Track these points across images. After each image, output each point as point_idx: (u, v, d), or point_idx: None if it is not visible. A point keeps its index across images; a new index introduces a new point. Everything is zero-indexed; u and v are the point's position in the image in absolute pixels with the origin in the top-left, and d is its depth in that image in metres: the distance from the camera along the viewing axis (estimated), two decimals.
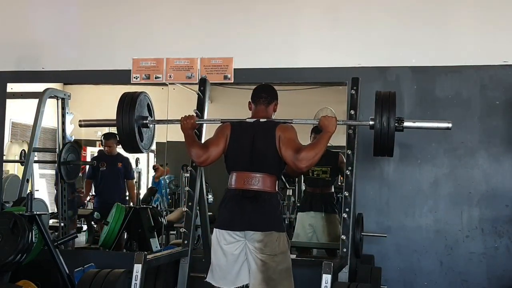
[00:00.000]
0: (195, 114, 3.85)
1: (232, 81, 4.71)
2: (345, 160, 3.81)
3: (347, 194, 3.64)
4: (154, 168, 6.89)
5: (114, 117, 3.49)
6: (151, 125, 3.67)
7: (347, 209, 3.60)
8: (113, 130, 6.43)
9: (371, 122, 3.27)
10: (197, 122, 3.50)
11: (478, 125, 4.34)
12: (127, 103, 3.48)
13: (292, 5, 4.68)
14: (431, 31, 4.43)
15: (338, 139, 5.42)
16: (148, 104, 3.67)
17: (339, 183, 5.50)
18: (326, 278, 2.91)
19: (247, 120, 3.37)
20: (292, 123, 3.37)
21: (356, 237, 3.77)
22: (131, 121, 3.44)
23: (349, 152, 3.73)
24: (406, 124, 3.26)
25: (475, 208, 4.30)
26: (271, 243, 3.16)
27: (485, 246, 4.27)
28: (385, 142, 3.24)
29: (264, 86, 3.51)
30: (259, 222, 3.17)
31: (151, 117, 3.69)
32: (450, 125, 3.31)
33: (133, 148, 3.57)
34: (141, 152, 3.65)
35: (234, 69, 4.67)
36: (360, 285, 3.18)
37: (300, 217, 5.34)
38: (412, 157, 4.40)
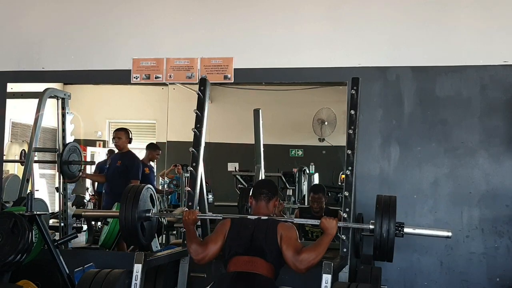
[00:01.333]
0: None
1: (232, 81, 4.70)
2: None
3: (347, 194, 3.63)
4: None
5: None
6: (153, 218, 3.77)
7: (347, 209, 3.60)
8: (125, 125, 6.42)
9: (371, 226, 3.36)
10: (198, 217, 3.57)
11: (478, 125, 4.34)
12: (130, 199, 3.59)
13: (293, 5, 4.67)
14: (431, 30, 4.42)
15: (338, 139, 5.44)
16: (151, 196, 3.77)
17: (339, 183, 5.50)
18: (326, 278, 2.90)
19: (249, 217, 3.41)
20: (293, 222, 3.46)
21: (356, 237, 3.77)
22: (133, 218, 3.56)
23: (349, 152, 3.72)
24: (406, 230, 3.34)
25: (475, 208, 4.30)
26: None
27: (485, 246, 4.27)
28: (385, 248, 3.34)
29: (264, 182, 3.61)
30: None
31: (154, 208, 3.77)
32: (450, 234, 3.40)
33: (135, 243, 3.75)
34: (143, 245, 3.78)
35: (234, 69, 4.67)
36: (360, 285, 3.18)
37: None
38: (412, 157, 4.40)
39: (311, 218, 4.13)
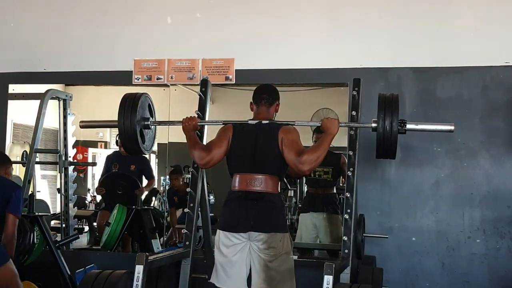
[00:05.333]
0: (196, 116, 3.85)
1: (234, 82, 4.71)
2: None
3: (348, 195, 3.63)
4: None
5: (116, 118, 3.49)
6: (152, 127, 3.67)
7: (348, 210, 3.59)
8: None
9: (373, 125, 3.27)
10: (199, 124, 3.50)
11: (479, 126, 4.34)
12: (129, 104, 3.47)
13: (294, 6, 4.68)
14: (433, 31, 4.43)
15: (340, 140, 5.43)
16: (149, 105, 3.66)
17: (341, 184, 5.50)
18: (328, 279, 2.90)
19: (249, 122, 3.35)
20: (294, 125, 3.37)
21: (357, 238, 3.76)
22: (133, 122, 3.44)
23: (351, 153, 3.72)
24: (409, 126, 3.25)
25: (477, 209, 4.30)
26: (275, 243, 3.17)
27: (487, 247, 4.27)
28: (388, 144, 3.25)
29: (265, 86, 3.48)
30: (263, 223, 3.17)
31: (153, 118, 3.68)
32: (452, 127, 3.32)
33: (135, 149, 3.58)
34: (143, 153, 3.65)
35: (235, 70, 4.68)
36: (361, 286, 3.18)
37: (302, 219, 5.32)
38: (413, 158, 4.40)
39: None
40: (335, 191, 5.19)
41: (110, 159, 6.09)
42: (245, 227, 3.18)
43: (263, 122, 3.32)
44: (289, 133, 3.25)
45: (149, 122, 3.60)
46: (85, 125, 3.89)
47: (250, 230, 3.17)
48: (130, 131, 3.45)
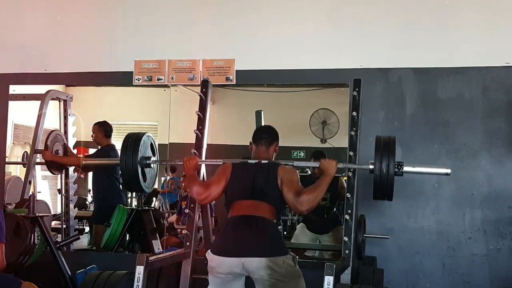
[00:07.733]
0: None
1: (234, 83, 4.71)
2: (345, 185, 3.76)
3: (349, 196, 3.63)
4: None
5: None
6: (154, 165, 3.79)
7: (349, 211, 3.60)
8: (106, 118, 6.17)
9: (370, 167, 3.38)
10: (199, 163, 3.60)
11: (480, 127, 4.33)
12: (131, 144, 3.62)
13: (294, 6, 4.68)
14: (433, 32, 4.42)
15: (340, 141, 5.44)
16: (151, 144, 3.79)
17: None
18: (329, 280, 2.90)
19: (249, 161, 3.41)
20: (293, 165, 3.47)
21: (358, 239, 3.77)
22: (135, 162, 3.58)
23: (351, 153, 3.73)
24: (405, 169, 3.37)
25: (478, 209, 4.29)
26: (277, 267, 3.07)
27: (488, 247, 4.26)
28: (385, 187, 3.34)
29: (265, 127, 3.63)
30: (261, 248, 3.09)
31: (154, 157, 3.80)
32: (449, 171, 3.42)
33: (136, 187, 3.73)
34: (144, 191, 3.83)
35: (236, 70, 4.67)
36: (362, 287, 3.18)
37: (301, 228, 5.27)
38: (414, 158, 4.39)
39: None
40: (334, 209, 5.11)
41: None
42: (239, 252, 3.08)
43: (263, 161, 3.38)
44: (288, 172, 3.31)
45: (150, 161, 3.73)
46: (87, 164, 4.05)
47: (246, 255, 3.07)
48: (132, 170, 3.59)
